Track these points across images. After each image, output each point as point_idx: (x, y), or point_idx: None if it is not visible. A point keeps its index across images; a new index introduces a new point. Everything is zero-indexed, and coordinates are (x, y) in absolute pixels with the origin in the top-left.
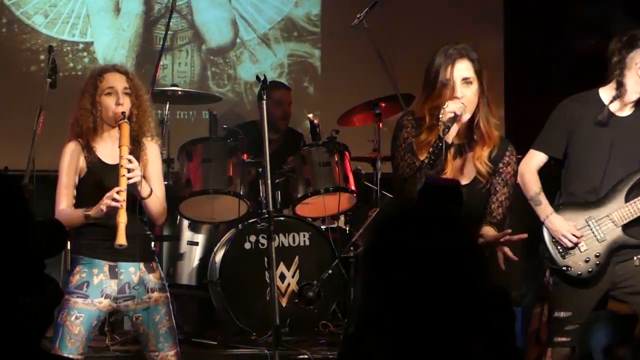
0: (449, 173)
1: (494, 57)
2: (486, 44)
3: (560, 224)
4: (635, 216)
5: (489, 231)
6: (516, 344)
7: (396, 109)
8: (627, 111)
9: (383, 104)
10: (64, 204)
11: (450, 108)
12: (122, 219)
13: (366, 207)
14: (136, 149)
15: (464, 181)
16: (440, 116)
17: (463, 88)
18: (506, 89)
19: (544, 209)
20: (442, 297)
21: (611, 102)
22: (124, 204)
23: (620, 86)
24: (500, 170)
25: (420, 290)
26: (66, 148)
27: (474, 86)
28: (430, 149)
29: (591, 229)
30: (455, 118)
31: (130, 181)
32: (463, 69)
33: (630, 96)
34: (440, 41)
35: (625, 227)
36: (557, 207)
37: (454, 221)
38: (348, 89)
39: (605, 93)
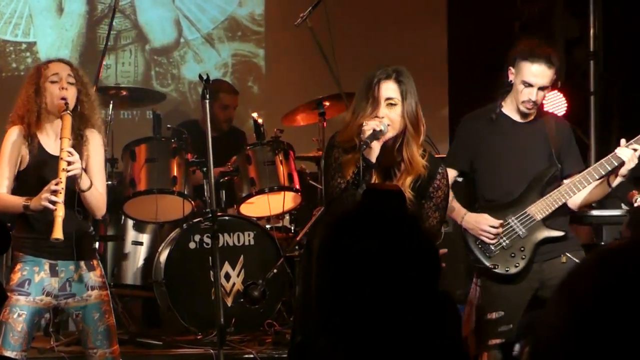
0: None
1: (437, 55)
2: (430, 42)
3: (476, 220)
4: (553, 208)
5: None
6: (463, 346)
7: (340, 107)
8: (517, 117)
9: (327, 103)
10: (3, 188)
11: (369, 126)
12: (60, 212)
13: (311, 206)
14: (78, 142)
15: None
16: (361, 135)
17: (386, 109)
18: (450, 87)
19: (458, 212)
20: (396, 297)
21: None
22: (62, 197)
23: (502, 97)
24: (432, 195)
25: (374, 290)
26: (9, 133)
27: (399, 108)
28: (355, 169)
29: (512, 226)
30: (375, 135)
31: (70, 174)
32: (388, 90)
33: (519, 106)
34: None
35: (546, 220)
36: (475, 211)
37: (412, 221)
38: (292, 88)
39: (505, 104)
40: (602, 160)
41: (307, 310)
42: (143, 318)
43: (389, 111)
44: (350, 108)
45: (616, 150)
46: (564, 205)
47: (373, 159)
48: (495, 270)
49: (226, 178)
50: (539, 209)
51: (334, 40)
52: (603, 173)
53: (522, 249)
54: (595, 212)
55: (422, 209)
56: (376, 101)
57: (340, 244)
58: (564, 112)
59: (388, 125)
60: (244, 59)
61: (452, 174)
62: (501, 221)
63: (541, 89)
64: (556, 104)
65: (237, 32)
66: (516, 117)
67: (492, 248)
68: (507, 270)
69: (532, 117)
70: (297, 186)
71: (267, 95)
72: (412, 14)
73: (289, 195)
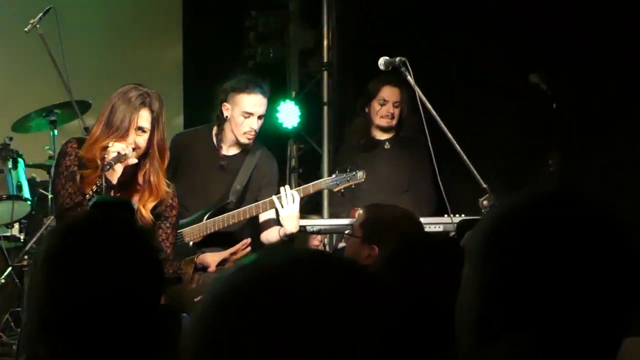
0: None
1: (172, 66)
2: (165, 53)
3: None
4: (203, 234)
5: (209, 257)
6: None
7: (71, 115)
8: (232, 150)
9: (58, 111)
10: None
11: (115, 148)
12: None
13: (41, 215)
14: None
15: None
16: (105, 155)
17: (136, 135)
18: (185, 97)
19: None
20: (117, 307)
21: (221, 140)
22: None
23: (219, 129)
24: (166, 214)
25: (97, 299)
26: None
27: (146, 135)
28: (94, 187)
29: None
30: (119, 157)
31: None
32: (142, 119)
33: (231, 138)
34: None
35: (201, 245)
36: None
37: (139, 232)
38: (23, 95)
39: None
40: (259, 202)
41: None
42: None
43: (138, 137)
44: (100, 122)
45: (274, 196)
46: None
47: (114, 180)
48: None
49: None
50: (190, 232)
51: (66, 48)
52: (254, 214)
53: None
54: (320, 222)
55: (159, 230)
56: (129, 128)
57: (67, 253)
58: (297, 122)
59: (133, 149)
60: None
61: None
62: None
63: (260, 117)
64: (290, 114)
65: None
66: (224, 150)
67: None
68: None
69: (240, 150)
70: (27, 195)
71: None
72: (147, 23)
73: (19, 203)
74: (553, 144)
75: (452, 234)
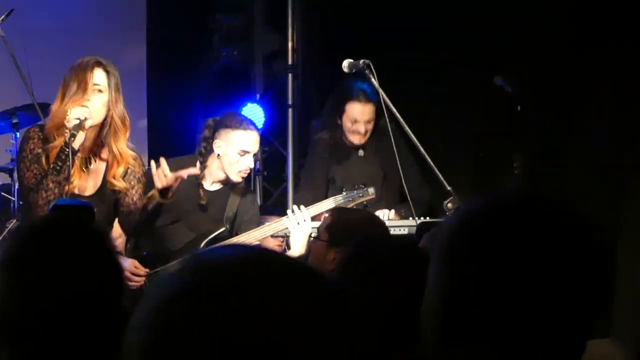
0: (75, 181)
1: (136, 67)
2: (128, 54)
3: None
4: None
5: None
6: None
7: (33, 118)
8: (215, 186)
9: (20, 113)
10: None
11: (73, 114)
12: None
13: (4, 218)
14: None
15: (88, 192)
16: (66, 122)
17: (93, 95)
18: (149, 99)
19: None
20: (75, 311)
21: (202, 177)
22: None
23: (202, 165)
24: (133, 183)
25: (54, 303)
26: None
27: (105, 96)
28: (57, 156)
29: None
30: (80, 124)
31: None
32: (97, 77)
33: (217, 174)
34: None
35: None
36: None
37: (97, 236)
38: None
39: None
40: (271, 223)
41: None
42: None
43: (95, 97)
44: (58, 98)
45: (283, 218)
46: None
47: (76, 146)
48: None
49: None
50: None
51: (28, 50)
52: (260, 238)
53: None
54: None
55: (125, 197)
56: (86, 88)
57: (26, 256)
58: (262, 124)
59: (89, 110)
60: None
61: None
62: (147, 270)
63: (254, 154)
64: (254, 116)
65: None
66: (207, 185)
67: None
68: None
69: (223, 186)
70: None
71: None
72: (110, 24)
73: None
74: (517, 145)
75: None
